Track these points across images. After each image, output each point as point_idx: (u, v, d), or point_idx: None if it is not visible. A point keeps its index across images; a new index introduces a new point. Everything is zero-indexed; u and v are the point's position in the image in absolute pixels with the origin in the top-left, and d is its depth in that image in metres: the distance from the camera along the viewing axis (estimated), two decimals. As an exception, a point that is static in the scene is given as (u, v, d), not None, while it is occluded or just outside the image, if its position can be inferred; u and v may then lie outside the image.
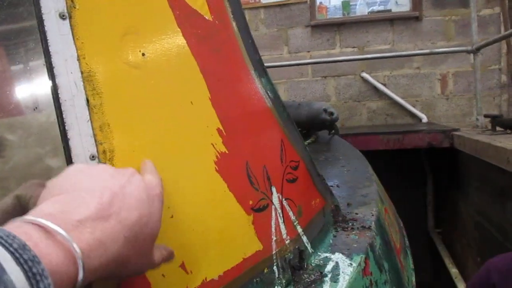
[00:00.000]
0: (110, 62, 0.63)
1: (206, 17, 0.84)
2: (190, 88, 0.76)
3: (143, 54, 0.69)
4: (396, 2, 4.68)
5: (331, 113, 2.48)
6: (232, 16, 0.92)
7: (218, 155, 0.76)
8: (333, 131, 2.59)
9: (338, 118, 2.48)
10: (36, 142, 0.70)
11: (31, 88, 0.67)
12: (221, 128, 0.79)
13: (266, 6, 4.92)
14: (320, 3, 5.00)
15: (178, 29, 0.77)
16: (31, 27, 0.56)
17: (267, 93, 0.97)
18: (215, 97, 0.79)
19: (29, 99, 0.67)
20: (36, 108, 0.62)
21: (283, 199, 0.93)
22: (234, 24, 0.92)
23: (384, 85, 4.71)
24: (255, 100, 0.92)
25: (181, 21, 0.78)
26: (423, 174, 4.48)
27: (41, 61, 0.57)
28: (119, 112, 0.63)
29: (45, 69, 0.56)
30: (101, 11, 0.64)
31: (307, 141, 2.50)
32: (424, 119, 4.56)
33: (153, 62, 0.70)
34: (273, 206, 0.88)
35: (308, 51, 4.87)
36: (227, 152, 0.78)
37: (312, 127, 2.61)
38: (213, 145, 0.76)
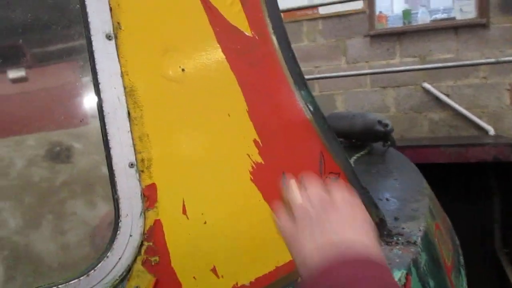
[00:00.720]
0: (151, 77, 0.69)
1: (246, 33, 0.87)
2: (228, 101, 0.80)
3: (182, 70, 0.73)
4: (461, 9, 4.48)
5: (386, 125, 2.43)
6: (272, 31, 0.95)
7: (253, 165, 0.79)
8: (388, 142, 2.52)
9: (392, 130, 2.42)
10: (95, 150, 0.77)
11: (86, 102, 0.75)
12: (257, 139, 0.82)
13: (325, 17, 4.91)
14: (380, 12, 4.90)
15: (218, 45, 0.81)
16: (81, 46, 0.63)
17: (307, 105, 0.99)
18: (252, 109, 0.82)
19: (89, 111, 0.74)
20: (85, 119, 0.68)
21: (321, 210, 0.94)
22: (274, 38, 0.95)
23: (447, 95, 4.51)
24: (294, 112, 0.94)
25: (221, 37, 0.82)
26: (489, 190, 4.22)
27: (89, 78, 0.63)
28: (158, 123, 0.68)
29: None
30: (145, 30, 0.69)
31: (360, 153, 2.46)
32: (491, 131, 4.30)
33: (192, 76, 0.75)
34: (309, 217, 0.90)
35: (367, 61, 4.79)
36: (263, 162, 0.81)
37: (366, 139, 2.57)
38: (248, 156, 0.79)
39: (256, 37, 0.89)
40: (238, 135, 0.79)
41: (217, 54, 0.79)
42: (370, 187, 1.27)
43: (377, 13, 4.91)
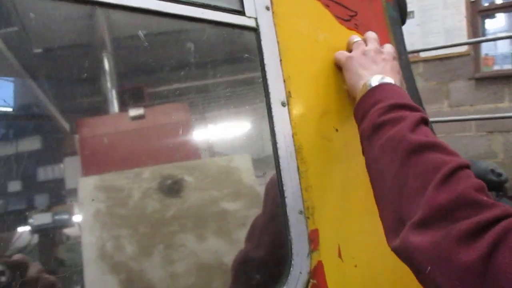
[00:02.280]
0: (312, 137, 0.81)
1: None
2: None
3: (336, 130, 0.85)
4: None
5: (499, 174, 2.35)
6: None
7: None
8: (501, 193, 2.43)
9: (507, 180, 2.33)
10: (212, 185, 0.87)
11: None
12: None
13: (426, 60, 4.86)
14: (486, 54, 4.75)
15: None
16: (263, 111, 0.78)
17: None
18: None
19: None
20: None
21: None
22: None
23: None
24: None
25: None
26: None
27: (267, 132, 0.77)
28: (318, 176, 0.79)
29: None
30: (308, 97, 0.83)
31: (471, 202, 2.39)
32: None
33: (343, 135, 0.86)
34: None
35: (472, 105, 4.62)
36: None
37: (477, 187, 2.50)
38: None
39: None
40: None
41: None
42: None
43: (482, 55, 4.76)
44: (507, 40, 5.24)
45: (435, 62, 4.82)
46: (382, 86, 0.74)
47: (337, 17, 0.95)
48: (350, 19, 0.98)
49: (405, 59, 1.06)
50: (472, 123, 4.59)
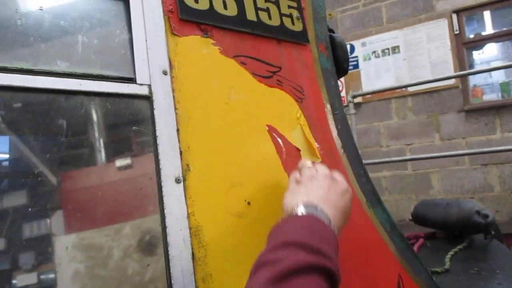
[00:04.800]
0: (216, 215, 0.71)
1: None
2: (295, 229, 0.79)
3: (248, 203, 0.76)
4: None
5: (486, 216, 2.22)
6: (342, 150, 0.95)
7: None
8: (490, 234, 2.28)
9: (494, 222, 2.19)
10: None
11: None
12: (326, 267, 0.79)
13: (414, 94, 4.81)
14: (474, 85, 4.69)
15: (285, 173, 0.83)
16: (153, 191, 0.68)
17: (381, 224, 0.94)
18: (320, 235, 0.81)
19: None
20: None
21: None
22: (344, 157, 0.95)
23: None
24: (366, 234, 0.91)
25: (288, 164, 0.84)
26: None
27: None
28: (222, 262, 0.69)
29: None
30: (212, 170, 0.74)
31: (458, 247, 2.24)
32: None
33: (258, 207, 0.76)
34: None
35: (463, 137, 4.52)
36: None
37: (464, 230, 2.36)
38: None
39: (326, 158, 0.90)
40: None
41: (283, 182, 0.81)
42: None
43: (471, 86, 4.70)
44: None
45: (424, 95, 4.77)
46: (302, 218, 0.64)
47: (256, 75, 0.87)
48: (272, 75, 0.91)
49: (340, 113, 0.98)
50: (466, 157, 4.47)
